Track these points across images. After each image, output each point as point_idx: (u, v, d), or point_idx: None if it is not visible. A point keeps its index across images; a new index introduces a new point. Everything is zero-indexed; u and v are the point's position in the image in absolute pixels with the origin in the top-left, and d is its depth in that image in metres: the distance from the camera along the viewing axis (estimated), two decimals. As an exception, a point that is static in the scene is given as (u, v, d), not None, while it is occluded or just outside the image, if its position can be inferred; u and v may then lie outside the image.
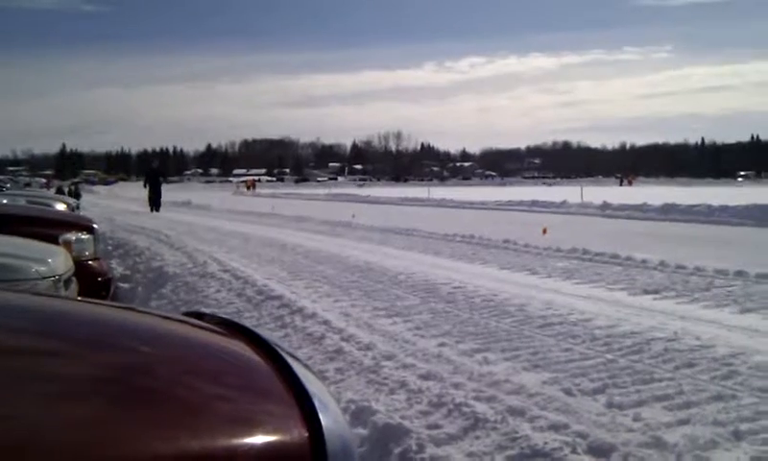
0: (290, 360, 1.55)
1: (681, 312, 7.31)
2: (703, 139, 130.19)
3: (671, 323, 6.70)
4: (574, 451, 3.54)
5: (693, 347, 5.75)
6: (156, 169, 32.12)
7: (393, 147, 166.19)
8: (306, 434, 1.28)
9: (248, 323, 6.46)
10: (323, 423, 1.31)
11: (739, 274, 9.46)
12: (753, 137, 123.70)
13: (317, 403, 1.36)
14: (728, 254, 11.77)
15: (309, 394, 1.39)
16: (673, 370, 5.14)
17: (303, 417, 1.32)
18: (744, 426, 3.96)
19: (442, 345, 5.82)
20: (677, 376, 4.99)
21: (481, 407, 4.11)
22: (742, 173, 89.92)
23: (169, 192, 33.82)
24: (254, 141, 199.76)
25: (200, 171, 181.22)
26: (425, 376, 4.79)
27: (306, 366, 1.60)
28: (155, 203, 28.19)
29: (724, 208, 22.07)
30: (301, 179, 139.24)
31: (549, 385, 4.77)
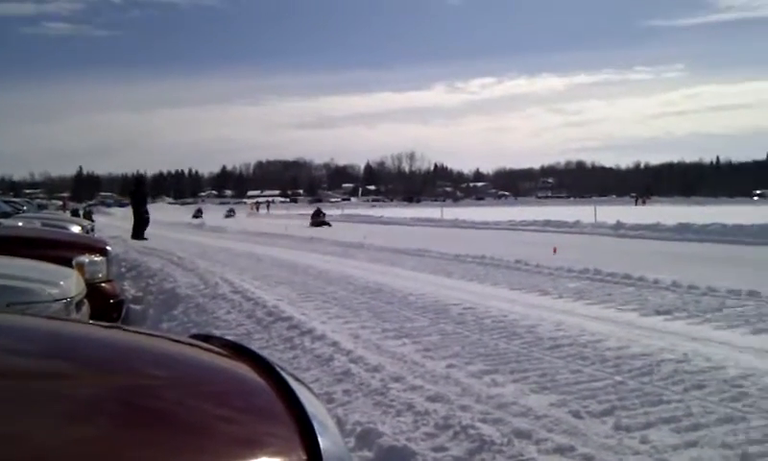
0: (291, 382, 1.59)
1: (692, 333, 7.27)
2: (718, 158, 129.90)
3: (682, 344, 6.67)
4: (580, 474, 3.54)
5: (703, 368, 5.72)
6: (138, 187, 26.12)
7: (406, 168, 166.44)
8: (305, 456, 1.33)
9: (257, 344, 6.52)
10: (321, 445, 1.35)
11: (752, 294, 9.39)
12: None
13: (316, 425, 1.41)
14: (741, 274, 11.69)
15: (309, 416, 1.44)
16: (682, 391, 5.12)
17: (302, 439, 1.37)
18: (753, 449, 3.95)
19: (450, 366, 5.84)
20: (686, 397, 4.97)
21: (488, 430, 4.12)
22: (758, 192, 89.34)
23: (183, 213, 33.84)
24: (268, 162, 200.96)
25: (214, 192, 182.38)
26: (433, 399, 4.81)
27: (308, 387, 1.64)
28: (136, 230, 22.52)
29: (739, 228, 21.92)
30: (315, 199, 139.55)
31: (557, 407, 4.77)
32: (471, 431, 4.09)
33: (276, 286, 10.92)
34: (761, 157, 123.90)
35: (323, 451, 1.35)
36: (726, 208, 50.24)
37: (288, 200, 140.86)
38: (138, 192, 24.53)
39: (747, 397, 4.96)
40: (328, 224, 37.28)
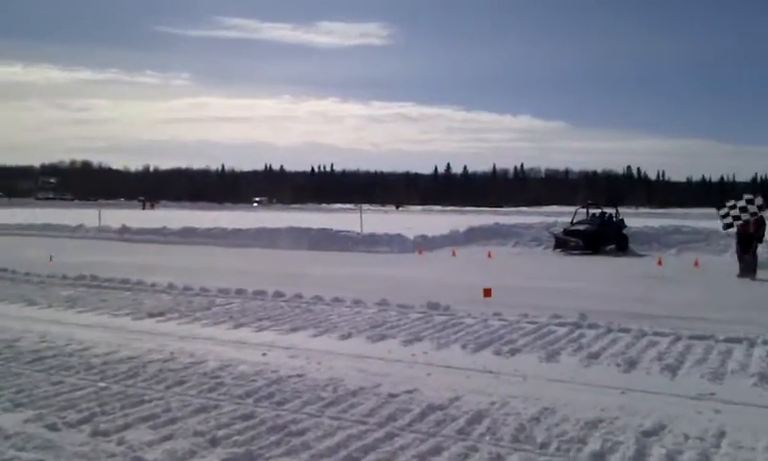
0: None
1: (181, 332, 7.64)
2: (223, 166, 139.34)
3: (170, 343, 6.95)
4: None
5: (187, 364, 6.07)
6: None
7: None
8: None
9: None
10: None
11: (240, 292, 10.35)
12: (266, 166, 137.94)
13: None
14: (227, 274, 12.80)
15: None
16: (164, 389, 5.32)
17: None
18: (221, 432, 4.33)
19: None
20: (167, 394, 5.18)
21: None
22: (257, 199, 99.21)
23: None
24: None
25: None
26: None
27: None
28: None
29: (238, 232, 23.96)
30: None
31: (32, 423, 4.47)
32: None
33: None
34: (260, 167, 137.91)
35: None
36: (229, 214, 54.22)
37: None
38: None
39: (222, 386, 5.43)
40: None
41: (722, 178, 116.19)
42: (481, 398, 5.14)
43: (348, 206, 71.64)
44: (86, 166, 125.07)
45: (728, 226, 14.23)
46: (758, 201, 13.85)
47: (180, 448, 4.06)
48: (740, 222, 13.81)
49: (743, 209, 13.83)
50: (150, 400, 5.01)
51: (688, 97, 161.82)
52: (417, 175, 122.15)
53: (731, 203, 14.12)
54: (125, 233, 25.73)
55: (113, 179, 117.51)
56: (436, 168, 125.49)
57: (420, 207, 73.82)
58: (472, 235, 22.57)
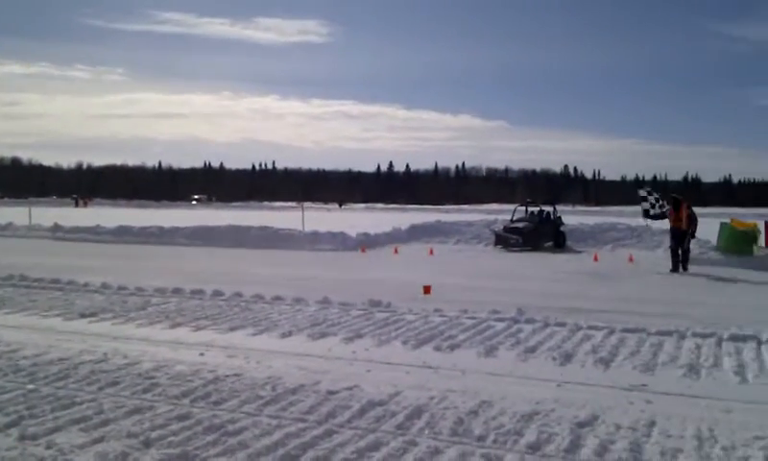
0: None
1: (115, 333, 7.43)
2: (160, 163, 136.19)
3: (103, 344, 6.75)
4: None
5: (120, 365, 5.90)
6: None
7: None
8: None
9: None
10: None
11: (177, 291, 10.14)
12: (205, 163, 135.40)
13: None
14: (166, 272, 12.52)
15: None
16: (97, 391, 5.17)
17: None
18: (155, 434, 4.22)
19: None
20: (99, 396, 5.03)
21: None
22: (196, 196, 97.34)
23: None
24: None
25: None
26: None
27: None
28: None
29: (175, 230, 23.44)
30: None
31: (-50, 430, 4.26)
32: None
33: None
34: (199, 164, 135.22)
35: None
36: (167, 212, 53.07)
37: None
38: None
39: (158, 386, 5.30)
40: None
41: (655, 176, 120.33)
42: (420, 393, 5.16)
43: (290, 204, 70.98)
44: (16, 163, 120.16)
45: (648, 215, 17.81)
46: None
47: (113, 450, 3.95)
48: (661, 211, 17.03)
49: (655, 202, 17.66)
50: (81, 403, 4.85)
51: (624, 99, 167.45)
52: (359, 173, 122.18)
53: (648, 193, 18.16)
54: (57, 232, 24.83)
55: (45, 176, 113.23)
56: (378, 166, 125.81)
57: (362, 205, 73.86)
58: (414, 233, 22.68)
